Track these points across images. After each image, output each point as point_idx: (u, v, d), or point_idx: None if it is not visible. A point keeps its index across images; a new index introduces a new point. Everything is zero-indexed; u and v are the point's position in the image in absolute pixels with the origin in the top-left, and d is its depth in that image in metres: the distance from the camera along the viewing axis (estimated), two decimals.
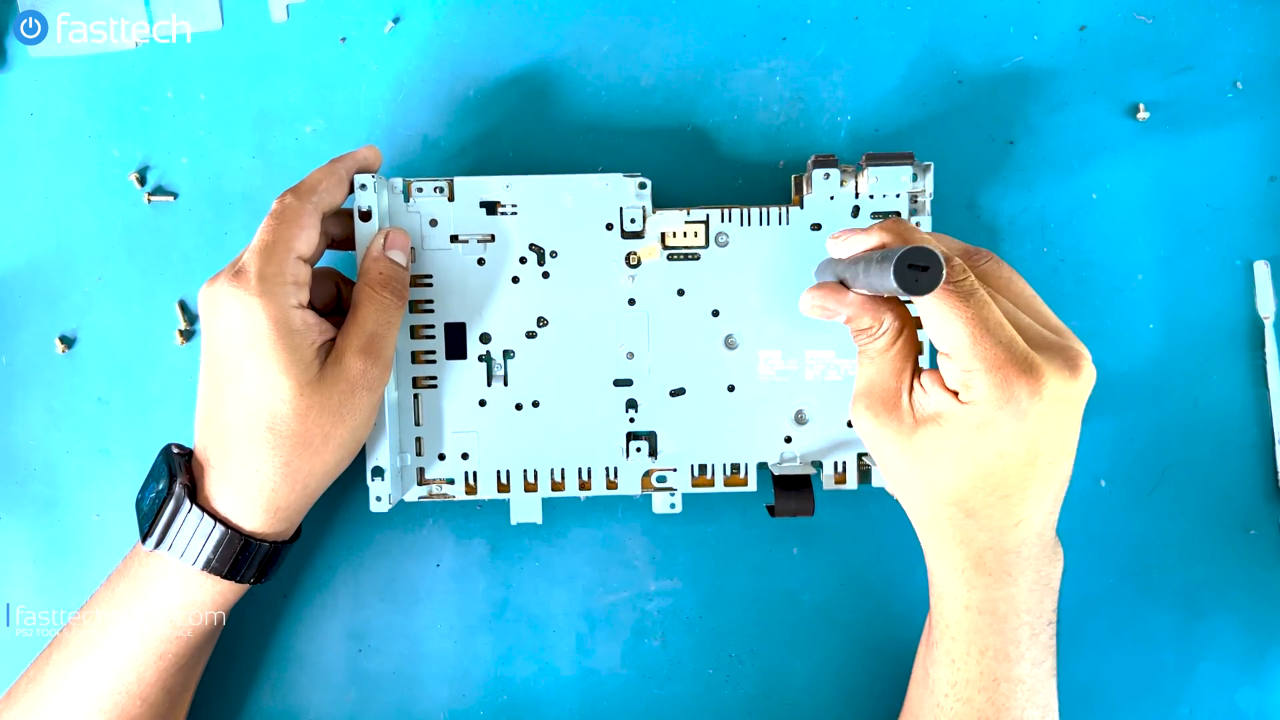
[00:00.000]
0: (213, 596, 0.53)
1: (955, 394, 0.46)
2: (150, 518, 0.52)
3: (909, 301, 0.50)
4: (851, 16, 0.61)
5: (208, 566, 0.52)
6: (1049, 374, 0.43)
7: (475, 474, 0.59)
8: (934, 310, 0.44)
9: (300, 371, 0.50)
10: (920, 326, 0.54)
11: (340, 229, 0.57)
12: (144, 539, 0.52)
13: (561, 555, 0.63)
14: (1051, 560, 0.50)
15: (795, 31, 0.61)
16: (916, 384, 0.48)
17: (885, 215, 0.57)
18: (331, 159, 0.55)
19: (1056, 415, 0.44)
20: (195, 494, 0.52)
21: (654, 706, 0.63)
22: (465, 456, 0.58)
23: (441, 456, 0.58)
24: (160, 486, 0.53)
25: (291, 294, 0.51)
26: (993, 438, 0.45)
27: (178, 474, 0.53)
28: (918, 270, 0.40)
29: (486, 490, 0.59)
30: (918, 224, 0.57)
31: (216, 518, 0.52)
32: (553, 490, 0.59)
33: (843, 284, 0.50)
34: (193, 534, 0.51)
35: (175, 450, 0.55)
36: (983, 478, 0.46)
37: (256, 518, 0.52)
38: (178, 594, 0.53)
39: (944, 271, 0.40)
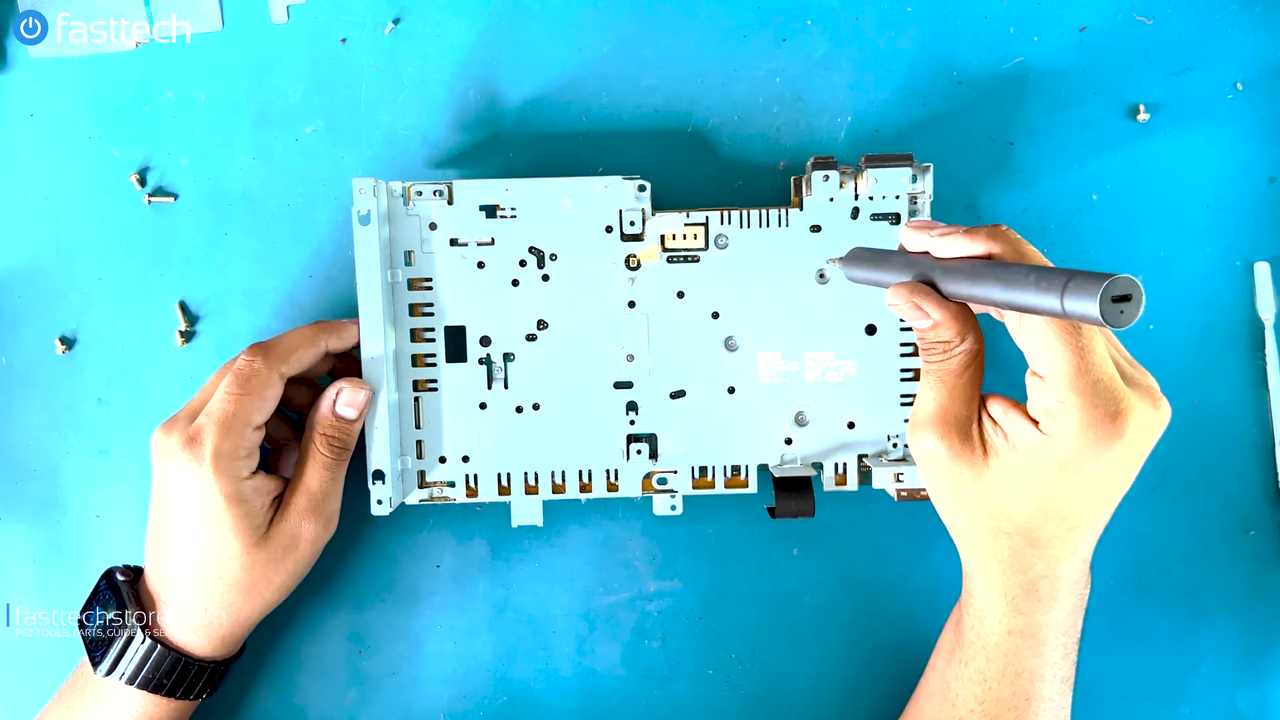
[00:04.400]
0: (168, 713, 0.56)
1: (1035, 423, 0.44)
2: (102, 646, 0.55)
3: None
4: (851, 17, 0.61)
5: (160, 690, 0.55)
6: (1138, 416, 0.42)
7: (476, 477, 0.59)
8: (1042, 333, 0.42)
9: (249, 534, 0.54)
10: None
11: (298, 397, 0.59)
12: (95, 665, 0.54)
13: (562, 556, 0.63)
14: (1087, 582, 0.50)
15: (795, 32, 0.61)
16: (984, 412, 0.47)
17: (885, 217, 0.57)
18: (315, 324, 0.56)
19: (1135, 453, 0.43)
20: (147, 625, 0.55)
21: (654, 707, 0.63)
22: (466, 459, 0.58)
23: (442, 459, 0.58)
24: (109, 616, 0.55)
25: (244, 467, 0.53)
26: (1073, 474, 0.44)
27: (127, 605, 0.55)
28: (1122, 301, 0.36)
29: (487, 493, 0.59)
30: None
31: (169, 646, 0.55)
32: (553, 493, 0.59)
33: (927, 283, 0.46)
34: (146, 662, 0.54)
35: (120, 578, 0.57)
36: (1054, 511, 0.45)
37: (207, 646, 0.55)
38: (135, 713, 0.55)
39: (1143, 304, 0.37)
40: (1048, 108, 0.62)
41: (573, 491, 0.59)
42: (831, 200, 0.57)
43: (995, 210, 0.62)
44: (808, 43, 0.61)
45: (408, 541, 0.63)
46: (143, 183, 0.61)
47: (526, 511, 0.59)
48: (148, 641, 0.54)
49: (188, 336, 0.62)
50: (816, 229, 0.58)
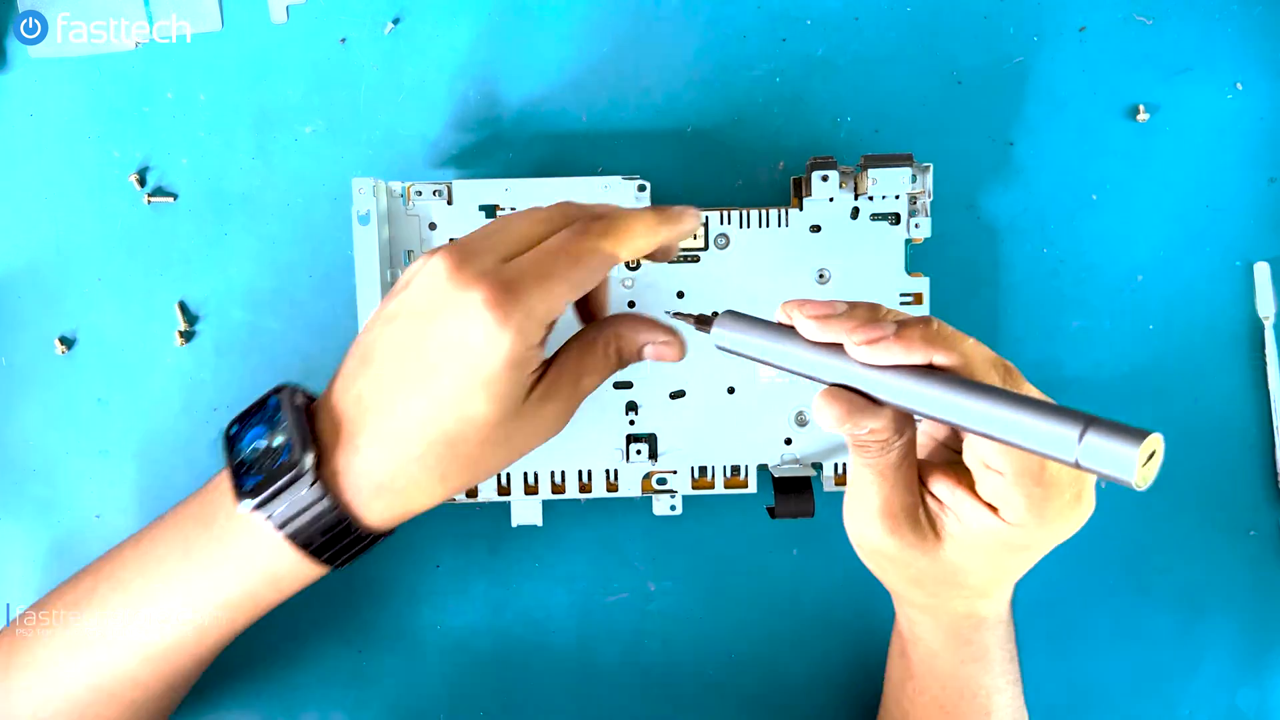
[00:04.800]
0: (296, 575, 0.48)
1: (992, 509, 0.42)
2: (258, 478, 0.46)
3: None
4: (851, 17, 0.61)
5: (307, 547, 0.46)
6: (1089, 484, 0.41)
7: None
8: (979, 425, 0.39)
9: (509, 406, 0.45)
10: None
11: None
12: (240, 495, 0.46)
13: (561, 556, 0.63)
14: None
15: (795, 32, 0.61)
16: (926, 491, 0.44)
17: (885, 216, 0.57)
18: (655, 211, 0.48)
19: (1077, 520, 0.42)
20: (320, 468, 0.45)
21: (654, 707, 0.63)
22: None
23: None
24: (279, 443, 0.46)
25: (541, 335, 0.45)
26: (1035, 548, 0.43)
27: (308, 442, 0.45)
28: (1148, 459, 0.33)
29: (487, 493, 0.59)
30: (917, 225, 0.57)
31: (339, 502, 0.45)
32: (553, 493, 0.59)
33: (846, 388, 0.41)
34: (305, 512, 0.45)
35: (300, 401, 0.48)
36: (1010, 572, 0.45)
37: (383, 515, 0.46)
38: (267, 564, 0.47)
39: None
40: (1048, 108, 0.62)
41: (572, 491, 0.59)
42: (831, 200, 0.57)
43: (995, 210, 0.62)
44: (808, 43, 0.61)
45: (408, 541, 0.63)
46: (143, 183, 0.61)
47: (526, 511, 0.59)
48: (317, 486, 0.44)
49: (187, 336, 0.62)
50: (816, 229, 0.58)
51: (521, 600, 0.63)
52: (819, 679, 0.63)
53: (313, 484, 0.45)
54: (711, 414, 0.58)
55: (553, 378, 0.47)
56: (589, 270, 0.45)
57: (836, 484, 0.59)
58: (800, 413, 0.59)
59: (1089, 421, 0.34)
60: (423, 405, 0.44)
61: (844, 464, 0.59)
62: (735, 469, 0.59)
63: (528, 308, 0.43)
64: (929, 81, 0.62)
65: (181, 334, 0.62)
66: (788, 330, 0.43)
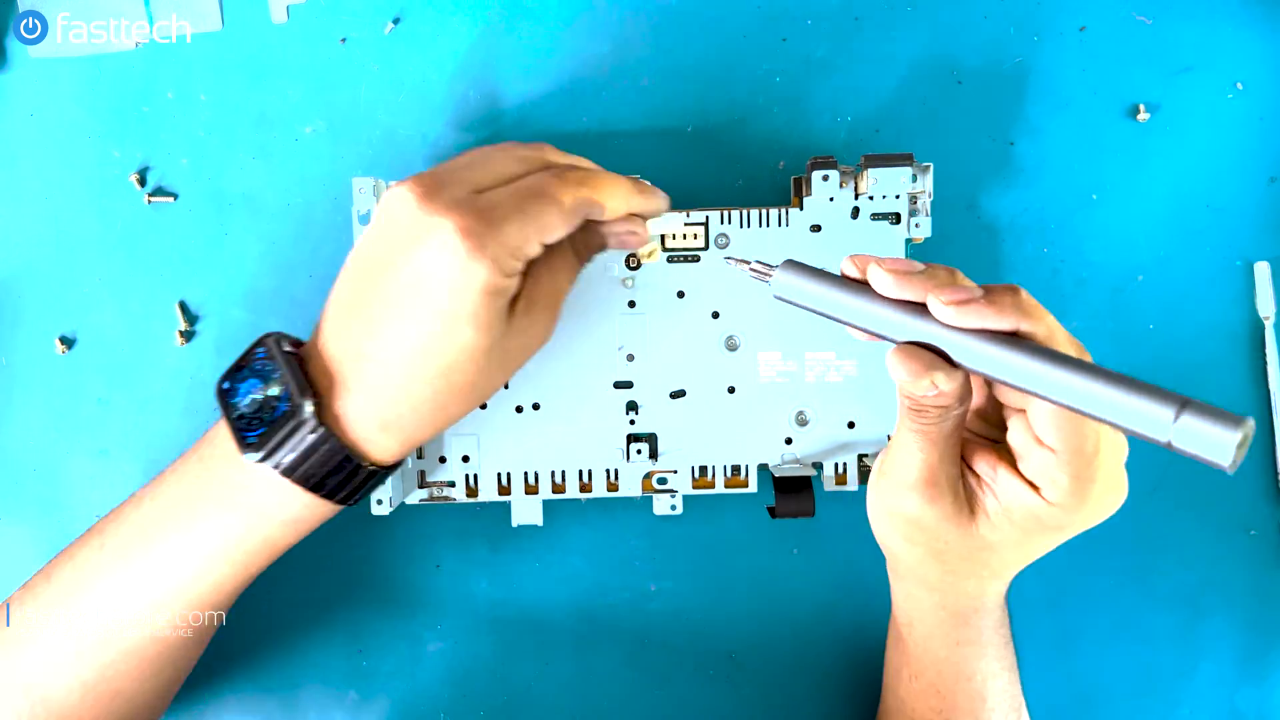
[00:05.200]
0: (312, 515, 0.48)
1: (1035, 487, 0.42)
2: (258, 430, 0.46)
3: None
4: (851, 17, 0.61)
5: (319, 489, 0.47)
6: (1120, 479, 0.43)
7: (476, 477, 0.59)
8: (1051, 408, 0.39)
9: (495, 330, 0.45)
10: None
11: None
12: (245, 448, 0.46)
13: (562, 556, 0.63)
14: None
15: (795, 32, 0.61)
16: (966, 467, 0.44)
17: (885, 216, 0.57)
18: (635, 181, 0.51)
19: (1112, 506, 0.44)
20: (320, 411, 0.46)
21: (654, 707, 0.63)
22: (466, 459, 0.58)
23: (442, 459, 0.58)
24: (275, 394, 0.46)
25: (516, 267, 0.45)
26: (1067, 532, 0.43)
27: (304, 389, 0.46)
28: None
29: (487, 493, 0.59)
30: (917, 225, 0.57)
31: (345, 443, 0.46)
32: (553, 492, 0.59)
33: (924, 346, 0.40)
34: (311, 455, 0.46)
35: (287, 348, 0.49)
36: (1032, 554, 0.45)
37: (391, 448, 0.47)
38: (277, 508, 0.47)
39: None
40: (1048, 108, 0.62)
41: (573, 491, 0.59)
42: (831, 200, 0.57)
43: (995, 210, 0.62)
44: (808, 43, 0.61)
45: (408, 541, 0.63)
46: (143, 183, 0.61)
47: (526, 511, 0.59)
48: (320, 430, 0.45)
49: (188, 336, 0.62)
50: (816, 229, 0.58)
51: (521, 600, 0.63)
52: (819, 679, 0.63)
53: (315, 430, 0.45)
54: (712, 414, 0.58)
55: (530, 289, 0.47)
56: (562, 216, 0.46)
57: (836, 484, 0.59)
58: (801, 413, 0.59)
59: (1184, 403, 0.35)
60: (410, 341, 0.45)
61: (844, 464, 0.59)
62: (735, 469, 0.59)
63: (501, 239, 0.43)
64: (929, 81, 0.62)
65: (181, 334, 0.62)
66: (856, 284, 0.42)
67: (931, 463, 0.43)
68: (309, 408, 0.45)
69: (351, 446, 0.46)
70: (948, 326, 0.40)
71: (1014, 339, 0.39)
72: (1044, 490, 0.42)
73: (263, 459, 0.46)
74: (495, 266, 0.44)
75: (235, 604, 0.61)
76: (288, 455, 0.45)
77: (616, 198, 0.49)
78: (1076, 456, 0.40)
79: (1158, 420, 0.35)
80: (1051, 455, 0.41)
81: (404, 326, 0.45)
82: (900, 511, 0.45)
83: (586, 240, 0.50)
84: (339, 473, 0.46)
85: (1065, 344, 0.39)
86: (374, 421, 0.46)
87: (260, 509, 0.47)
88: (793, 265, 0.45)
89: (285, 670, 0.63)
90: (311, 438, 0.45)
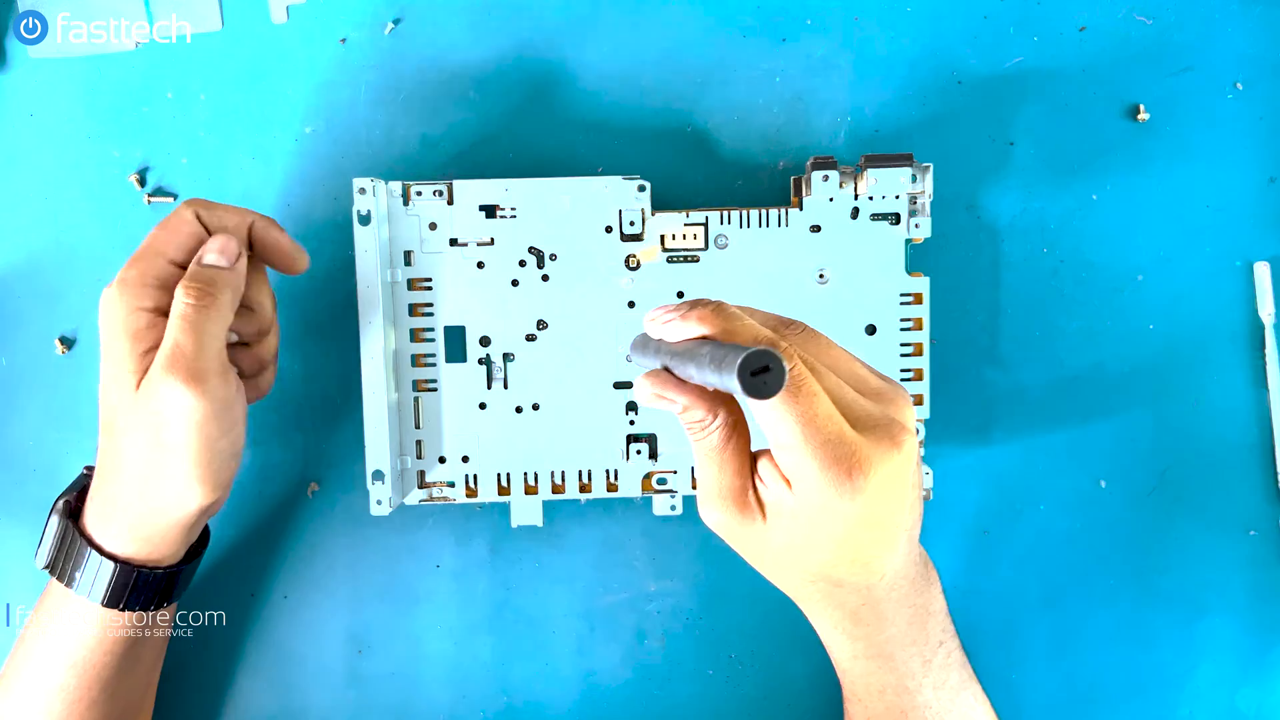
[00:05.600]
0: (109, 626, 0.53)
1: (789, 483, 0.44)
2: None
3: None
4: (851, 17, 0.61)
5: (69, 584, 0.52)
6: (874, 460, 0.41)
7: (476, 477, 0.59)
8: (762, 404, 0.41)
9: (125, 377, 0.50)
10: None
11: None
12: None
13: (561, 556, 0.63)
14: (925, 588, 0.49)
15: (795, 32, 0.61)
16: (755, 474, 0.45)
17: (885, 217, 0.57)
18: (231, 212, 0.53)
19: (887, 487, 0.42)
20: (77, 513, 0.53)
21: (654, 707, 0.63)
22: (465, 459, 0.58)
23: (442, 459, 0.59)
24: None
25: (145, 298, 0.50)
26: (832, 522, 0.43)
27: (71, 493, 0.54)
28: (762, 373, 0.37)
29: (487, 493, 0.59)
30: (917, 225, 0.57)
31: (90, 542, 0.52)
32: (553, 493, 0.59)
33: (668, 370, 0.45)
34: (74, 557, 0.52)
35: (85, 471, 0.56)
36: (836, 554, 0.45)
37: (124, 540, 0.52)
38: (77, 624, 0.53)
39: (786, 373, 0.37)
40: (1048, 108, 0.62)
41: (572, 492, 0.59)
42: (831, 200, 0.57)
43: (995, 210, 0.62)
44: (808, 43, 0.61)
45: (408, 541, 0.63)
46: (143, 183, 0.61)
47: (526, 511, 0.59)
48: (70, 530, 0.53)
49: None
50: (816, 229, 0.58)
51: (521, 600, 0.63)
52: (819, 679, 0.63)
53: (65, 527, 0.53)
54: None
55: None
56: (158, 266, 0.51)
57: None
58: None
59: (726, 353, 0.38)
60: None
61: None
62: None
63: (123, 274, 0.50)
64: (929, 81, 0.62)
65: None
66: (652, 343, 0.46)
67: (714, 475, 0.45)
68: (61, 504, 0.54)
69: (89, 539, 0.52)
70: (669, 345, 0.44)
71: (692, 343, 0.42)
72: (792, 485, 0.43)
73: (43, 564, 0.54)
74: (124, 289, 0.50)
75: (235, 605, 0.61)
76: (55, 558, 0.53)
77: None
78: (789, 445, 0.41)
79: (718, 371, 0.38)
80: (780, 452, 0.42)
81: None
82: (707, 522, 0.47)
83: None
84: (96, 571, 0.52)
85: (749, 340, 0.41)
86: (95, 511, 0.53)
87: (60, 627, 0.54)
88: (638, 338, 0.48)
89: (285, 670, 0.63)
90: (67, 535, 0.53)
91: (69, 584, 0.52)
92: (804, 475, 0.42)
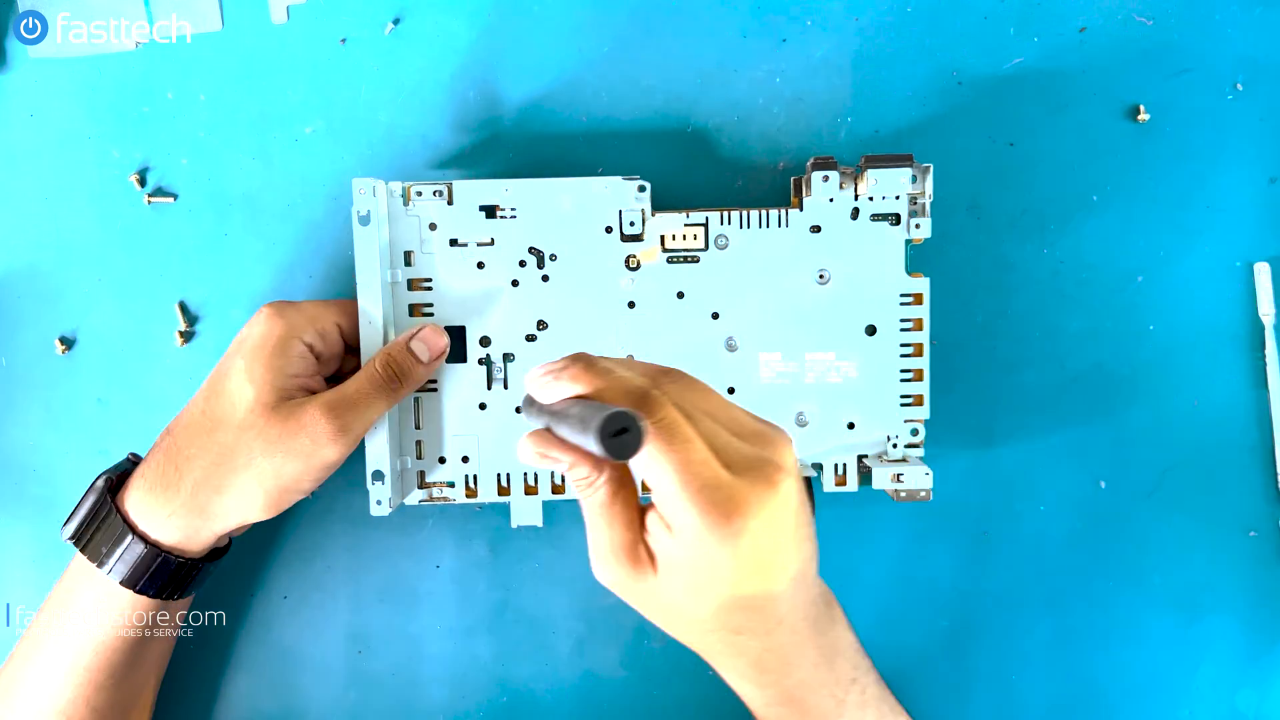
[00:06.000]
0: (129, 610, 0.54)
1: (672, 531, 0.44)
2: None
3: None
4: (852, 17, 0.61)
5: (92, 555, 0.53)
6: (751, 502, 0.41)
7: (476, 477, 0.59)
8: (640, 455, 0.41)
9: (267, 390, 0.53)
10: None
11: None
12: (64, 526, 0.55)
13: (561, 557, 0.63)
14: (829, 626, 0.49)
15: (795, 33, 0.61)
16: (644, 528, 0.45)
17: (885, 217, 0.57)
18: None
19: (767, 528, 0.42)
20: (116, 491, 0.54)
21: (654, 708, 0.63)
22: (466, 460, 0.58)
23: (442, 460, 0.59)
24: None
25: (306, 330, 0.54)
26: (719, 570, 0.43)
27: (111, 472, 0.55)
28: (621, 434, 0.37)
29: (487, 493, 0.59)
30: (917, 225, 0.57)
31: (125, 519, 0.53)
32: (553, 493, 0.59)
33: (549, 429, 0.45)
34: (104, 532, 0.53)
35: (130, 457, 0.57)
36: (730, 601, 0.44)
37: (160, 524, 0.53)
38: (93, 603, 0.54)
39: (644, 433, 0.38)
40: (1048, 108, 0.62)
41: (573, 492, 0.59)
42: (831, 201, 0.57)
43: (995, 210, 0.62)
44: (808, 43, 0.61)
45: (407, 542, 0.63)
46: (143, 183, 0.61)
47: (526, 511, 0.59)
48: (109, 507, 0.54)
49: (187, 337, 0.62)
50: (816, 229, 0.58)
51: (521, 600, 0.63)
52: None
53: (106, 506, 0.54)
54: None
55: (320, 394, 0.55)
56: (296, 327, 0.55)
57: (837, 484, 0.59)
58: (800, 413, 0.59)
59: (592, 415, 0.38)
60: (194, 401, 0.55)
61: (844, 464, 0.59)
62: None
63: (287, 304, 0.56)
64: (929, 81, 0.62)
65: (181, 334, 0.62)
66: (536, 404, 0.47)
67: (603, 533, 0.45)
68: (101, 481, 0.55)
69: (127, 520, 0.54)
70: (544, 407, 0.45)
71: (566, 403, 0.43)
72: (674, 533, 0.43)
73: (70, 536, 0.55)
74: (284, 320, 0.55)
75: (235, 604, 0.61)
76: (91, 535, 0.54)
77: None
78: (666, 494, 0.42)
79: (590, 441, 0.38)
80: (659, 501, 0.43)
81: (198, 392, 0.56)
82: (603, 582, 0.47)
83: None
84: (126, 553, 0.53)
85: (617, 397, 0.42)
86: (144, 493, 0.54)
87: (84, 605, 0.55)
88: (526, 398, 0.49)
89: (285, 670, 0.63)
90: (105, 514, 0.54)
91: (92, 555, 0.53)
92: (684, 522, 0.42)
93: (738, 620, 0.45)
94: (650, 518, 0.44)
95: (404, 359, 0.55)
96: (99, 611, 0.54)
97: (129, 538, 0.53)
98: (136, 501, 0.53)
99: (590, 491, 0.45)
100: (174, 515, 0.53)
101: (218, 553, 0.57)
